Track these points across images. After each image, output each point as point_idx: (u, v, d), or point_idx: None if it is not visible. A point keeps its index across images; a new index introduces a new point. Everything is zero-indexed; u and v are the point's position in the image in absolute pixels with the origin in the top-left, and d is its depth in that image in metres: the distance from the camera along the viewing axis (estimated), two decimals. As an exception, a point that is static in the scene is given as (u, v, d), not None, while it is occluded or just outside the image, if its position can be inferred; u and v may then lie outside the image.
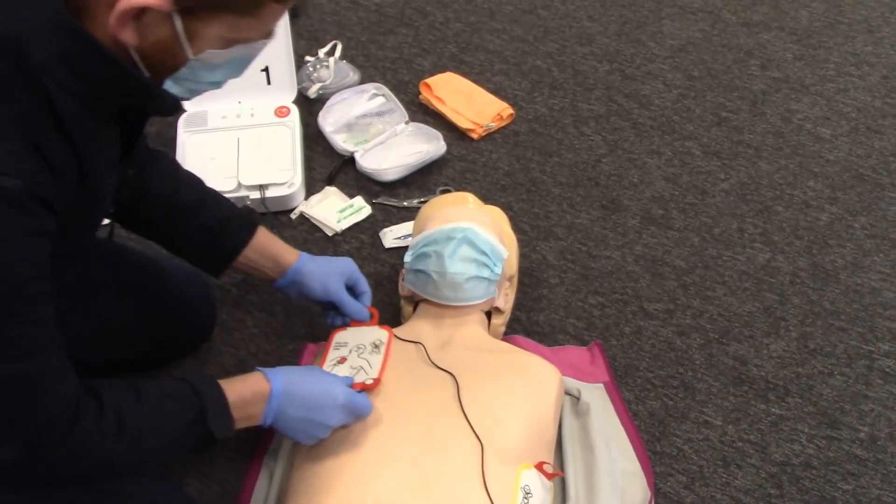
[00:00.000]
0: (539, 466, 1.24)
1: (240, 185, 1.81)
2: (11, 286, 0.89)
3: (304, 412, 1.18)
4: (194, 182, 1.40)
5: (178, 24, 0.88)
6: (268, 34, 0.97)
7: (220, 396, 1.11)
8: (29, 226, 0.88)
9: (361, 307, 1.45)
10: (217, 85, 1.02)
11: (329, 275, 1.43)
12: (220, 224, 1.36)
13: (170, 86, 0.97)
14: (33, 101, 0.88)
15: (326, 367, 1.34)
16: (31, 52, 0.87)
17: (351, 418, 1.21)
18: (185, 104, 1.96)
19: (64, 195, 0.93)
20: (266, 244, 1.40)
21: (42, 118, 0.89)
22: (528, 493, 1.19)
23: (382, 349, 1.36)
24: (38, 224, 0.89)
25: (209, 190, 1.40)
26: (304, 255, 1.44)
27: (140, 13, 0.86)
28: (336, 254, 1.78)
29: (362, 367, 1.32)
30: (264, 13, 0.92)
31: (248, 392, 1.15)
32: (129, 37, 0.87)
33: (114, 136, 1.06)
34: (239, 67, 1.01)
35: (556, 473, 1.28)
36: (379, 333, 1.41)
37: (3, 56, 0.86)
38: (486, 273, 1.43)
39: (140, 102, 0.98)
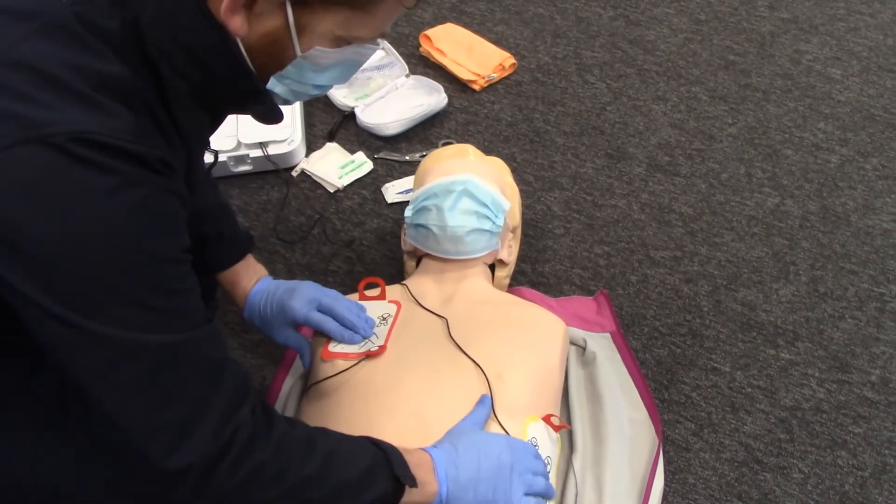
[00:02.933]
0: (546, 419, 1.23)
1: (240, 144, 1.79)
2: (168, 247, 0.84)
3: (473, 470, 1.08)
4: (210, 187, 1.38)
5: (290, 14, 0.85)
6: (380, 35, 0.93)
7: (395, 449, 1.04)
8: (170, 185, 0.84)
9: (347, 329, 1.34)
10: (322, 90, 0.98)
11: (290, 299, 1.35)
12: (218, 238, 1.35)
13: (273, 84, 0.94)
14: (149, 82, 0.86)
15: (333, 342, 1.33)
16: (152, 33, 0.84)
17: (516, 456, 1.12)
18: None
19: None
20: (238, 273, 1.39)
21: (157, 101, 0.87)
22: (534, 446, 1.18)
23: (390, 321, 1.35)
24: (176, 184, 0.86)
25: (221, 200, 1.40)
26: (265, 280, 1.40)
27: (253, 1, 0.84)
28: (339, 210, 1.77)
29: (370, 340, 1.31)
30: (380, 10, 0.88)
31: (412, 457, 1.05)
32: (237, 25, 0.84)
33: (207, 123, 1.05)
34: (346, 72, 0.97)
35: (563, 425, 1.27)
36: (388, 307, 1.39)
37: (127, 35, 0.84)
38: (487, 225, 1.41)
39: (245, 103, 0.96)
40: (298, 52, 0.89)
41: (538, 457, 1.15)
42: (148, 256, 0.81)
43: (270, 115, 0.99)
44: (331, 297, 1.35)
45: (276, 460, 0.92)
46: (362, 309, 1.37)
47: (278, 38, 0.87)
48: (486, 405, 1.19)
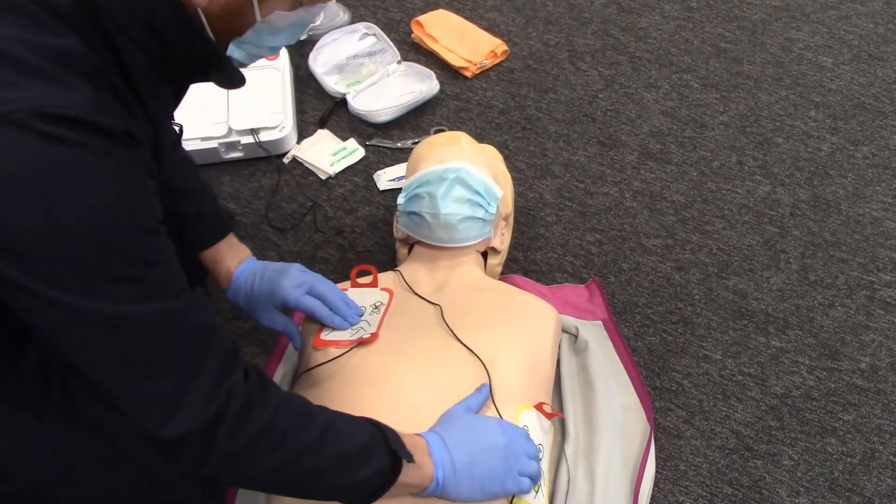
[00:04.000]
0: (538, 407, 1.23)
1: (231, 130, 1.78)
2: (141, 218, 0.83)
3: (468, 454, 1.08)
4: (188, 167, 1.37)
5: None
6: None
7: (391, 429, 1.03)
8: (137, 157, 0.83)
9: (335, 314, 1.34)
10: (275, 50, 0.99)
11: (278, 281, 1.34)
12: (197, 217, 1.33)
13: (232, 50, 0.95)
14: (108, 56, 0.85)
15: (327, 328, 1.34)
16: (108, 7, 0.83)
17: (509, 438, 1.13)
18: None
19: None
20: (221, 252, 1.37)
21: (117, 75, 0.86)
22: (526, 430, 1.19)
23: (382, 309, 1.35)
24: (144, 157, 0.85)
25: (200, 180, 1.38)
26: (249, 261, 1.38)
27: None
28: (330, 197, 1.76)
29: (362, 328, 1.31)
30: None
31: (407, 439, 1.04)
32: None
33: (170, 94, 1.05)
34: (298, 31, 0.99)
35: (555, 413, 1.27)
36: (380, 295, 1.39)
37: (81, 10, 0.82)
38: (480, 213, 1.41)
39: (207, 71, 0.96)
40: (258, 18, 0.90)
41: (530, 439, 1.16)
42: (122, 228, 0.80)
43: (233, 79, 0.99)
44: (322, 282, 1.35)
45: (275, 427, 0.92)
46: (347, 297, 1.37)
47: (239, 5, 0.89)
48: (484, 393, 1.19)
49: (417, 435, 1.08)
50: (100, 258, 0.79)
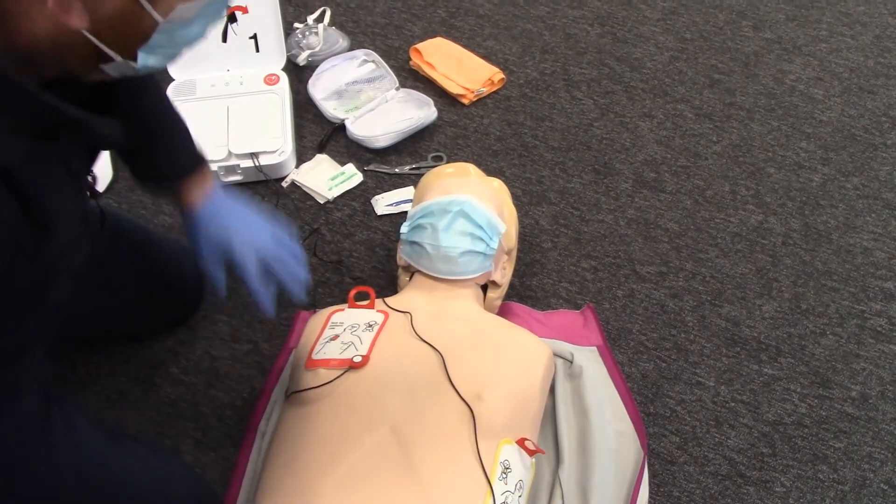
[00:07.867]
0: (521, 442, 1.23)
1: (230, 154, 1.80)
2: None
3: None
4: (167, 111, 1.29)
5: None
6: None
7: None
8: None
9: (267, 297, 1.25)
10: (194, 43, 0.88)
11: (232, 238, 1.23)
12: (171, 146, 1.27)
13: (143, 59, 0.84)
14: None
15: (319, 344, 1.34)
16: None
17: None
18: (173, 73, 1.95)
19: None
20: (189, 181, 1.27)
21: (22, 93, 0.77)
22: (507, 469, 1.19)
23: (375, 329, 1.36)
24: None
25: (178, 118, 1.30)
26: (216, 200, 1.26)
27: None
28: (328, 222, 1.78)
29: (353, 343, 1.32)
30: None
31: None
32: (77, 20, 0.75)
33: (86, 97, 0.94)
34: (217, 10, 0.87)
35: (538, 450, 1.27)
36: (375, 316, 1.40)
37: None
38: (480, 247, 1.41)
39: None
40: (160, 20, 0.80)
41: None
42: None
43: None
44: (278, 255, 1.26)
45: None
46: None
47: (129, 13, 0.78)
48: None
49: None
50: None
